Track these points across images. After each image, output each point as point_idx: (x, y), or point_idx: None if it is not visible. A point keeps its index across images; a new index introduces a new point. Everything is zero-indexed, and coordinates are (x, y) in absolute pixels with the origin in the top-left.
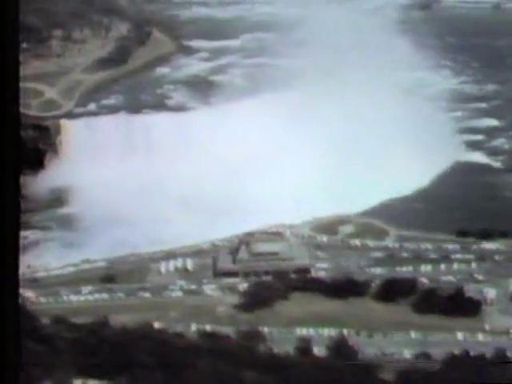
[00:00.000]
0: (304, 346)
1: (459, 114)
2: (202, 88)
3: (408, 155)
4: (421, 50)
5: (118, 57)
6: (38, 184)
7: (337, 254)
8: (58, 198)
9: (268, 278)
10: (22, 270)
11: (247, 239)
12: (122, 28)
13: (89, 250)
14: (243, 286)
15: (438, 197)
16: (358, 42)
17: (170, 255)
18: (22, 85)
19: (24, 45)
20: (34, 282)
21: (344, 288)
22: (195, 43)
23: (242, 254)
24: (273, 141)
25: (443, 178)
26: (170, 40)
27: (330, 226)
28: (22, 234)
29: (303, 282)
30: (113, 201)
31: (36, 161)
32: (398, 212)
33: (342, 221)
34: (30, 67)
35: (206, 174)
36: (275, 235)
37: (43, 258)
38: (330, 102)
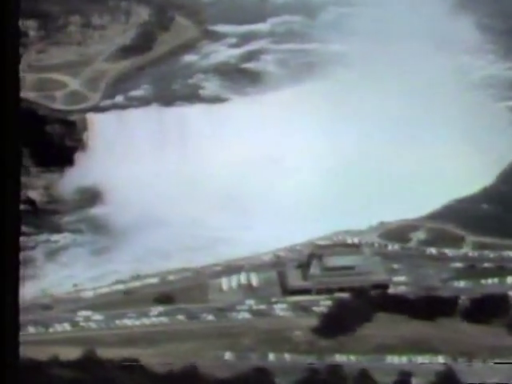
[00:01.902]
0: (404, 380)
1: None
2: (235, 77)
3: (464, 150)
4: (466, 33)
5: (142, 44)
6: (66, 183)
7: (413, 264)
8: (87, 198)
9: (345, 296)
10: (68, 288)
11: (319, 252)
12: (142, 13)
13: (120, 258)
14: (319, 305)
15: (505, 196)
16: (406, 24)
17: (229, 269)
18: (43, 75)
19: (42, 32)
20: (79, 303)
21: (430, 307)
22: (221, 28)
23: (314, 268)
24: (316, 133)
25: (507, 174)
26: (193, 25)
27: (399, 233)
28: (53, 237)
29: (384, 301)
30: (146, 200)
31: (63, 158)
32: (467, 214)
33: (412, 226)
34: (49, 56)
35: (246, 169)
36: (349, 247)
37: (71, 267)
38: (373, 92)
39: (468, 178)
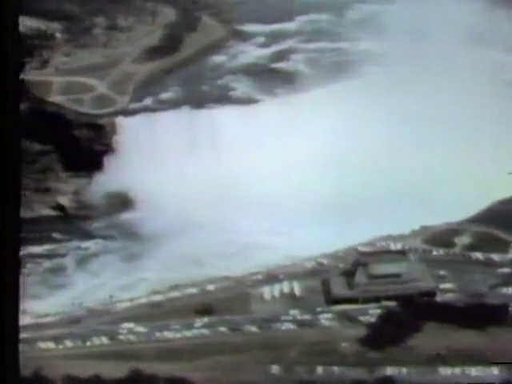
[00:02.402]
0: None
1: None
2: (266, 77)
3: (501, 149)
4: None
5: (169, 45)
6: (95, 188)
7: (459, 270)
8: (117, 203)
9: (392, 305)
10: (100, 298)
11: (364, 259)
12: (168, 13)
13: (150, 265)
14: (365, 315)
15: None
16: (437, 21)
17: (270, 278)
18: (70, 79)
19: (67, 35)
20: (116, 315)
21: (480, 315)
22: (248, 27)
23: (360, 277)
24: (349, 133)
25: None
26: (220, 25)
27: (443, 237)
28: (84, 244)
29: (433, 309)
30: (176, 205)
31: (91, 163)
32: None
33: (456, 230)
34: (75, 59)
35: (279, 171)
36: (395, 254)
37: (102, 275)
38: (407, 92)
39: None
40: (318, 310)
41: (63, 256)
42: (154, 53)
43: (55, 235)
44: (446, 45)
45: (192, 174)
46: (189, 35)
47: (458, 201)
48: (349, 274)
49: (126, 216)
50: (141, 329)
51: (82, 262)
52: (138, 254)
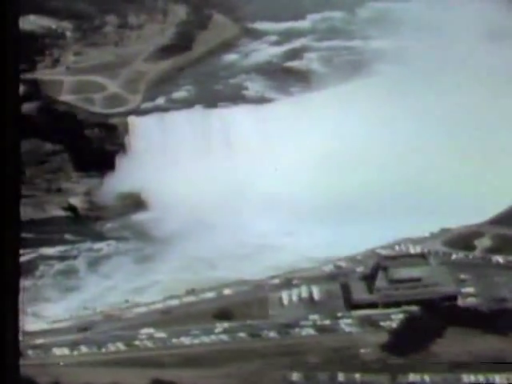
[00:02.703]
0: None
1: None
2: (279, 76)
3: None
4: None
5: (181, 43)
6: (107, 189)
7: (480, 274)
8: (129, 204)
9: (414, 310)
10: (119, 303)
11: (384, 263)
12: (179, 11)
13: (163, 267)
14: (386, 320)
15: None
16: (453, 18)
17: (288, 282)
18: (81, 77)
19: (78, 34)
20: (133, 320)
21: (503, 320)
22: (259, 25)
23: (380, 281)
24: (365, 132)
25: None
26: (232, 23)
27: (463, 240)
28: (96, 246)
29: (455, 314)
30: (190, 205)
31: (103, 163)
32: None
33: (476, 233)
34: (86, 58)
35: (294, 171)
36: (415, 257)
37: (113, 277)
38: (422, 91)
39: None
40: (338, 315)
41: (75, 258)
42: (165, 51)
43: (67, 236)
44: (463, 43)
45: (205, 174)
46: (200, 33)
47: (478, 201)
48: (369, 278)
49: (138, 217)
50: (159, 334)
51: (94, 263)
52: (151, 255)
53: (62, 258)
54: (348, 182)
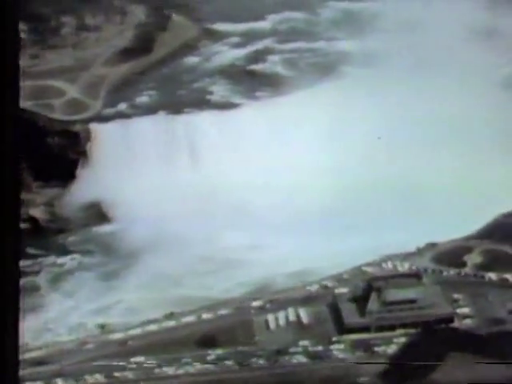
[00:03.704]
0: None
1: None
2: (243, 80)
3: (498, 156)
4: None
5: (141, 45)
6: (69, 199)
7: (474, 293)
8: (93, 215)
9: (411, 335)
10: (94, 330)
11: (376, 284)
12: (138, 12)
13: (127, 285)
14: (380, 345)
15: None
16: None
17: (272, 303)
18: (39, 82)
19: (34, 36)
20: (110, 347)
21: (502, 344)
22: (220, 26)
23: (372, 303)
24: (334, 138)
25: None
26: (191, 24)
27: (452, 256)
28: (59, 260)
29: (453, 338)
30: (155, 216)
31: (65, 172)
32: None
33: (465, 248)
34: (44, 61)
35: (262, 179)
36: (408, 277)
37: (75, 296)
38: (392, 93)
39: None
40: (330, 340)
41: (37, 273)
42: (125, 54)
43: (29, 250)
44: (439, 42)
45: (169, 183)
46: (160, 35)
47: (457, 213)
48: (359, 300)
49: (102, 229)
50: (140, 364)
51: (57, 280)
52: (115, 271)
53: (23, 273)
54: (320, 191)
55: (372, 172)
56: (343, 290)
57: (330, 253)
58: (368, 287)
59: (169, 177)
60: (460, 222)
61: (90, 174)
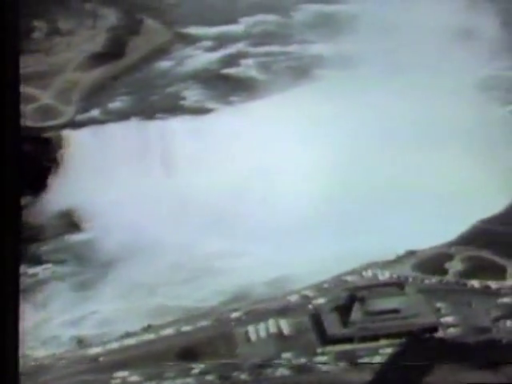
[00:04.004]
0: None
1: None
2: (217, 84)
3: (472, 160)
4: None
5: (113, 50)
6: (41, 207)
7: (457, 301)
8: (66, 224)
9: (395, 345)
10: (71, 346)
11: (359, 294)
12: (109, 15)
13: (101, 295)
14: (364, 357)
15: None
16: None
17: (252, 315)
18: None
19: None
20: (87, 363)
21: (489, 353)
22: (192, 30)
23: (356, 313)
24: (310, 143)
25: None
26: (163, 27)
27: (433, 263)
28: (31, 270)
29: (439, 347)
30: (129, 225)
31: (37, 180)
32: (501, 238)
33: (445, 255)
34: None
35: (238, 186)
36: (390, 286)
37: (48, 307)
38: (368, 96)
39: (485, 193)
40: (314, 351)
41: None
42: (98, 59)
43: None
44: (414, 44)
45: (143, 190)
46: (132, 39)
47: (435, 218)
48: (342, 310)
49: (75, 238)
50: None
51: (28, 290)
52: (89, 281)
53: None
54: (298, 196)
55: (349, 176)
56: (324, 300)
57: (309, 259)
58: (351, 297)
59: (143, 183)
60: (441, 227)
61: (63, 182)
